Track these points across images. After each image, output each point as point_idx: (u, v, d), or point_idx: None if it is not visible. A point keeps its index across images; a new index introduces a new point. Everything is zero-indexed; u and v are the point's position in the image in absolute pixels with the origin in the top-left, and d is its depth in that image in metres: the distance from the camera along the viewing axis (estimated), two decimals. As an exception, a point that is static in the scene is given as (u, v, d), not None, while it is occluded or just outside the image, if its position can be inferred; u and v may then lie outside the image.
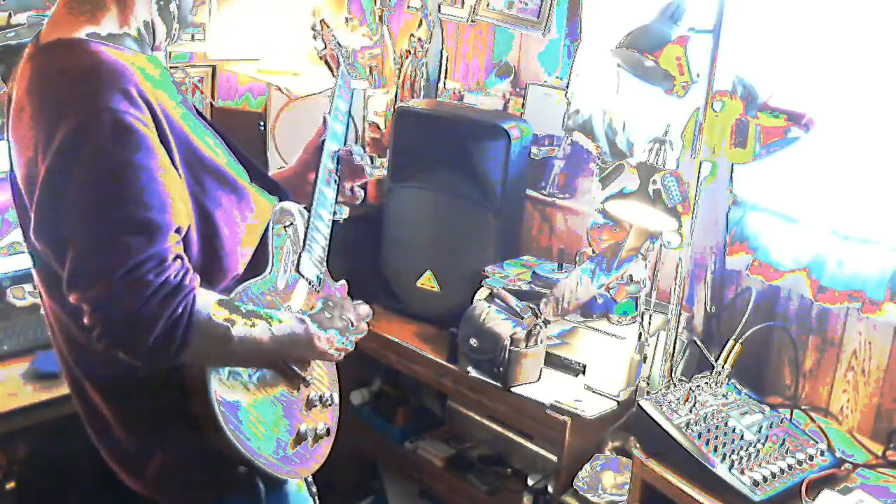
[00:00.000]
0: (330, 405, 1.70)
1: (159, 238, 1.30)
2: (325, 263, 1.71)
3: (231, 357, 1.41)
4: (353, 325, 1.63)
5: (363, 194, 1.91)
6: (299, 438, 1.57)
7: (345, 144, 1.87)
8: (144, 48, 1.49)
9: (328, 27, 2.04)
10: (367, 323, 1.70)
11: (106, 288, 1.26)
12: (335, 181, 1.80)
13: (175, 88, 1.52)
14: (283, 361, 1.55)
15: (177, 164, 1.38)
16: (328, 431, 1.67)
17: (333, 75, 2.01)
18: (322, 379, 1.70)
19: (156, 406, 1.47)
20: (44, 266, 1.44)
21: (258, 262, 1.55)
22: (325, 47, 2.02)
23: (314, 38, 2.04)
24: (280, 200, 1.64)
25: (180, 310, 1.28)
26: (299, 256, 1.64)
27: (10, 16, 2.53)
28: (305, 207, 1.70)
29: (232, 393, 1.44)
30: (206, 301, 1.34)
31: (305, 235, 1.67)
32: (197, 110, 1.59)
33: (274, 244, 1.58)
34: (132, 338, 1.27)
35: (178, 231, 1.35)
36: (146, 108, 1.34)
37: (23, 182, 1.39)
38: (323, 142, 1.81)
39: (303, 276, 1.63)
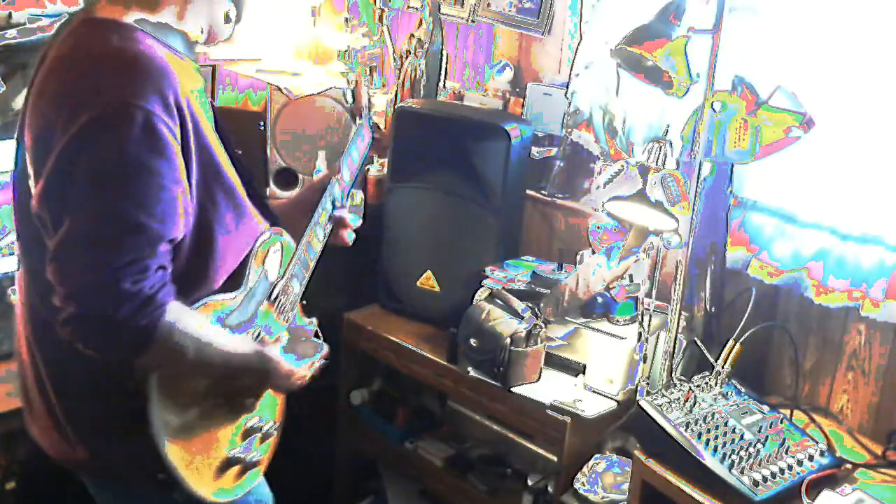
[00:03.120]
0: (268, 438, 1.69)
1: (151, 245, 1.32)
2: (296, 306, 1.71)
3: (180, 370, 1.43)
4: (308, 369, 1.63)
5: (354, 238, 1.90)
6: (227, 465, 1.56)
7: (348, 195, 1.85)
8: (193, 52, 1.50)
9: (363, 84, 2.04)
10: (322, 360, 1.70)
11: (84, 277, 1.29)
12: (328, 226, 1.78)
13: (207, 100, 1.52)
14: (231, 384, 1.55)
15: (192, 176, 1.40)
16: (258, 463, 1.65)
17: (355, 123, 2.00)
18: (268, 408, 1.69)
19: (97, 392, 1.47)
20: (30, 262, 1.45)
21: (234, 280, 1.55)
22: (354, 101, 2.03)
23: (347, 83, 2.05)
24: (272, 226, 1.64)
25: (144, 322, 1.30)
26: (273, 288, 1.62)
27: (9, 15, 2.53)
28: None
29: (168, 404, 1.44)
30: (177, 315, 1.36)
31: (284, 273, 1.65)
32: (217, 123, 1.57)
33: (253, 267, 1.56)
34: (93, 334, 1.31)
35: (171, 241, 1.36)
36: (178, 118, 1.35)
37: (30, 149, 1.39)
38: (328, 184, 1.78)
39: (273, 306, 1.62)
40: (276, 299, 1.63)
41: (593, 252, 2.54)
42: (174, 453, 1.44)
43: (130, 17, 1.40)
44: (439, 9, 3.18)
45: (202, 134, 1.41)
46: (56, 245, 1.31)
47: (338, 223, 1.82)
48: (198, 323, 1.42)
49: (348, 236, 1.86)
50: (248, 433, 1.61)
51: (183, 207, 1.37)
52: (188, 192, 1.39)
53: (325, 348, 1.70)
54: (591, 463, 2.32)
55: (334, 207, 1.79)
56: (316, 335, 1.77)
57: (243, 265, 1.55)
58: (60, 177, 1.32)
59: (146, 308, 1.30)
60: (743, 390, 2.17)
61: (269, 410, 1.70)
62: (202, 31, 1.51)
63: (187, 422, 1.47)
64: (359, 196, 1.90)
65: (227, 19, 1.55)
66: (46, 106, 1.36)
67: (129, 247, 1.30)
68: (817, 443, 2.02)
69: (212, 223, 1.46)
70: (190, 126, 1.38)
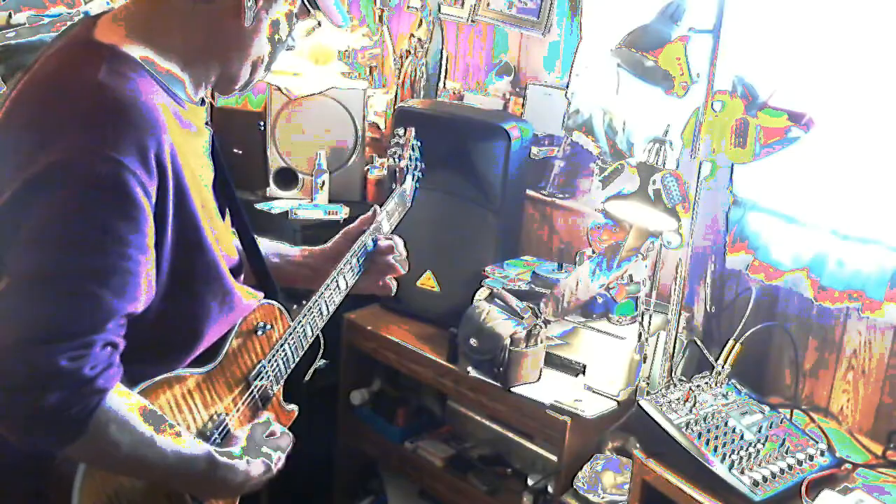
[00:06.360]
0: None
1: (98, 320, 1.12)
2: (282, 381, 1.56)
3: (108, 467, 1.23)
4: (270, 470, 1.40)
5: (394, 287, 1.77)
6: None
7: (361, 265, 1.72)
8: (200, 97, 1.35)
9: (413, 136, 1.87)
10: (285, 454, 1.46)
11: (11, 346, 1.07)
12: (339, 297, 1.66)
13: (208, 150, 1.38)
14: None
15: (165, 245, 1.22)
16: None
17: (392, 188, 1.88)
18: None
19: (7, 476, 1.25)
20: None
21: (208, 353, 1.40)
22: (398, 159, 1.85)
23: (392, 141, 1.86)
24: (267, 295, 1.50)
25: (76, 409, 1.09)
26: (256, 364, 1.47)
27: (10, 16, 2.53)
28: (286, 307, 1.55)
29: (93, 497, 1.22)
30: (119, 404, 1.14)
31: (275, 345, 1.50)
32: (223, 175, 1.43)
33: (232, 343, 1.41)
34: (12, 416, 1.09)
35: (126, 314, 1.17)
36: (157, 176, 1.17)
37: None
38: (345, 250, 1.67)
39: (250, 386, 1.46)
40: (250, 389, 1.46)
41: (593, 251, 2.54)
42: None
43: (135, 50, 1.22)
44: (439, 9, 3.18)
45: (188, 200, 1.24)
46: None
47: (384, 269, 1.72)
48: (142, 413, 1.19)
49: (392, 283, 1.75)
50: None
51: (147, 280, 1.17)
52: (154, 263, 1.19)
53: (291, 439, 1.47)
54: (591, 463, 2.32)
55: (349, 279, 1.67)
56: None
57: (222, 338, 1.40)
58: (5, 226, 1.12)
59: (81, 393, 1.09)
60: (743, 390, 2.17)
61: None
62: (204, 87, 1.34)
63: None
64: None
65: (257, 68, 1.36)
66: (7, 136, 1.18)
67: (75, 318, 1.10)
68: (817, 443, 2.02)
69: (182, 294, 1.29)
70: (171, 189, 1.20)
